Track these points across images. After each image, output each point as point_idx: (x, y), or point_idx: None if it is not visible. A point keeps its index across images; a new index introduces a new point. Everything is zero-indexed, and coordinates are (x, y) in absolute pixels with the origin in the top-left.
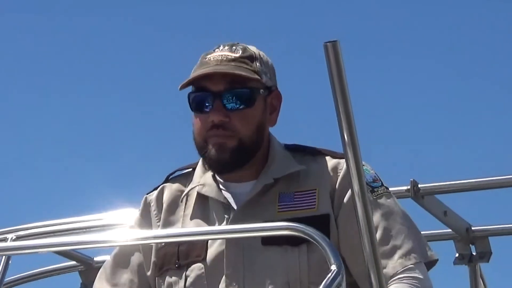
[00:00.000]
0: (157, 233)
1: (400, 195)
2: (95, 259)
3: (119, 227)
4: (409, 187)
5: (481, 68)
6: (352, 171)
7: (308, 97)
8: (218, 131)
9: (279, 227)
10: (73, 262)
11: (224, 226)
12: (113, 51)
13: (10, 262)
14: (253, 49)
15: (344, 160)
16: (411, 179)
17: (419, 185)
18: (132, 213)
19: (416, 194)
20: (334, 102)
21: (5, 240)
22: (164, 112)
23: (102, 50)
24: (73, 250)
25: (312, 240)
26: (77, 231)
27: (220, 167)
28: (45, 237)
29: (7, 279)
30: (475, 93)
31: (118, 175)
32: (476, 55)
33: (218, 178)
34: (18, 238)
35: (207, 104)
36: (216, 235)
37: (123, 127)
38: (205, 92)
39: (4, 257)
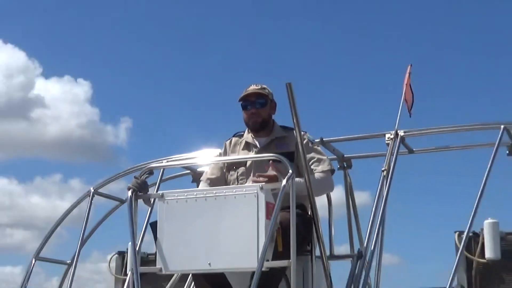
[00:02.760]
0: (220, 159)
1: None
2: (198, 170)
3: (206, 155)
4: (319, 140)
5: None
6: (297, 134)
7: (279, 99)
8: (254, 115)
9: (269, 156)
10: (189, 171)
11: (250, 155)
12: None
13: (164, 172)
14: (265, 86)
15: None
16: (321, 137)
17: (324, 139)
18: (211, 152)
19: (323, 142)
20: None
21: (161, 162)
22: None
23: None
24: (188, 166)
25: (282, 161)
26: (190, 158)
27: (255, 129)
28: (179, 160)
29: (165, 177)
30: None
31: (209, 128)
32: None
33: (252, 136)
34: (168, 161)
35: (248, 107)
36: (245, 159)
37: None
38: (247, 101)
39: (161, 169)
